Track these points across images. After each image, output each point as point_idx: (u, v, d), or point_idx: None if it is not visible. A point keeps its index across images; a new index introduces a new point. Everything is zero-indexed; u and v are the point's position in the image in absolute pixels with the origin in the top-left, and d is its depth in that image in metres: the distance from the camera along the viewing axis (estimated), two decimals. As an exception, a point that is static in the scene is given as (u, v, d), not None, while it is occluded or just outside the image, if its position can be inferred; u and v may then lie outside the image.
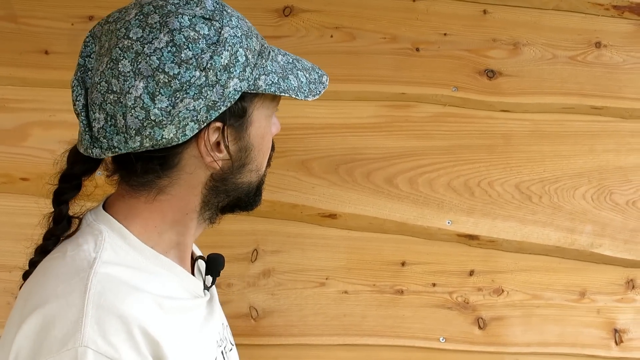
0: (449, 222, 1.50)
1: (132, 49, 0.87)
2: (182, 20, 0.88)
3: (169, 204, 0.96)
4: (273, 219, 1.51)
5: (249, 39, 0.93)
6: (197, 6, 0.90)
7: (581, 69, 1.52)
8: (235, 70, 0.90)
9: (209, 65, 0.88)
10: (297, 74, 0.99)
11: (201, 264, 1.12)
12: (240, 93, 0.91)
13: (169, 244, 0.98)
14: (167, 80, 0.87)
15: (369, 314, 1.51)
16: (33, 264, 0.97)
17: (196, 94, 0.88)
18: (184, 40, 0.87)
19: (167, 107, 0.87)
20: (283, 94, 0.95)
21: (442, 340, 1.50)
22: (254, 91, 0.93)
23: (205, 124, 0.90)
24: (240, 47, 0.91)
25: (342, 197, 1.51)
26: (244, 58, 0.91)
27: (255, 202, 1.06)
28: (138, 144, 0.89)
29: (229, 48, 0.89)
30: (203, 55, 0.88)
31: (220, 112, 0.90)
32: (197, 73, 0.87)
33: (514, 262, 1.52)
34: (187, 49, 0.87)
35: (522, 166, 1.52)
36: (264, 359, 1.49)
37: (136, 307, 0.86)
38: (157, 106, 0.87)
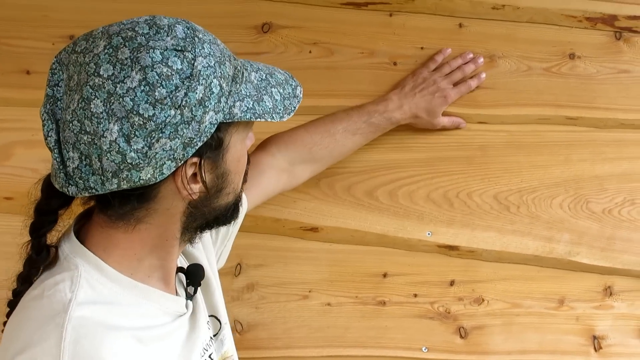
0: (429, 234, 1.53)
1: (104, 88, 0.85)
2: (153, 55, 0.86)
3: (149, 233, 0.96)
4: (256, 233, 1.53)
5: (222, 66, 0.91)
6: (167, 36, 0.88)
7: (556, 80, 1.54)
8: (210, 103, 0.88)
9: (183, 102, 0.86)
10: (272, 92, 0.97)
11: (182, 276, 1.13)
12: (216, 125, 0.90)
13: (149, 268, 0.99)
14: (142, 122, 0.85)
15: (352, 325, 1.53)
16: (17, 293, 0.98)
17: (172, 132, 0.86)
18: (157, 77, 0.85)
19: (143, 148, 0.85)
20: (259, 119, 0.94)
21: (425, 350, 1.53)
22: (230, 120, 0.91)
23: (182, 161, 0.89)
24: (214, 77, 0.89)
25: (323, 211, 1.53)
26: (219, 88, 0.89)
27: (233, 217, 1.07)
28: (115, 185, 0.88)
29: (203, 81, 0.87)
30: (177, 93, 0.85)
31: (197, 147, 0.89)
32: (172, 112, 0.85)
33: (494, 272, 1.54)
34: (161, 87, 0.85)
35: (499, 177, 1.54)
36: (249, 372, 1.50)
37: (113, 351, 0.86)
38: (133, 148, 0.85)
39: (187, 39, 0.89)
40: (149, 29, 0.88)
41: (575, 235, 1.53)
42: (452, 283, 1.54)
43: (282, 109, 0.98)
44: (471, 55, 1.51)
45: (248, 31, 1.54)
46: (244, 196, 1.28)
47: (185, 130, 0.87)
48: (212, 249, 1.28)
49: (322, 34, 1.54)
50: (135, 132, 0.85)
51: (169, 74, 0.85)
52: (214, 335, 1.18)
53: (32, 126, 1.50)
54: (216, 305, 1.22)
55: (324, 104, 1.52)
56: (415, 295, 1.54)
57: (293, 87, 1.03)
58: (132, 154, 0.85)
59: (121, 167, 0.86)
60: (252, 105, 0.94)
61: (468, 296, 1.54)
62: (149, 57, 0.85)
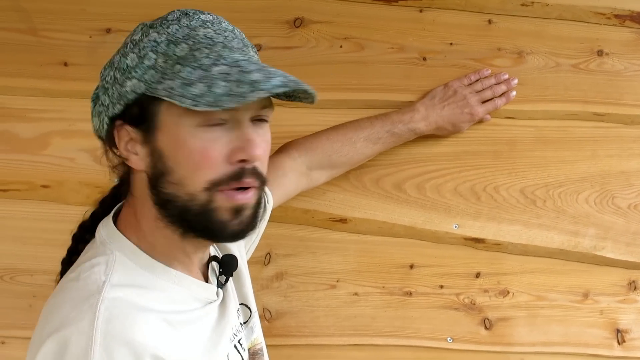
0: (455, 226, 1.55)
1: (114, 57, 1.01)
2: (148, 33, 0.98)
3: (140, 206, 1.02)
4: (286, 223, 1.56)
5: (172, 45, 0.94)
6: (173, 21, 0.98)
7: (584, 76, 1.56)
8: (137, 72, 0.95)
9: (117, 65, 0.98)
10: (218, 84, 0.90)
11: (215, 265, 1.16)
12: (136, 94, 0.96)
13: (167, 254, 1.02)
14: (102, 79, 1.02)
15: (379, 315, 1.56)
16: (65, 262, 1.08)
17: (106, 90, 1.00)
18: (127, 46, 0.99)
19: (95, 99, 1.03)
20: (168, 99, 0.92)
21: (450, 340, 1.55)
22: (151, 94, 0.94)
23: (109, 118, 1.00)
24: (152, 50, 0.95)
25: (352, 202, 1.55)
26: (152, 62, 0.94)
27: (207, 230, 0.99)
28: (96, 124, 1.05)
29: (138, 51, 0.96)
30: (118, 57, 0.99)
31: (119, 109, 0.98)
32: (112, 73, 0.99)
33: (519, 265, 1.56)
34: (119, 54, 1.00)
35: (526, 171, 1.55)
36: (277, 359, 1.53)
37: (144, 331, 0.90)
38: (95, 101, 1.03)
39: (169, 19, 0.98)
40: (172, 15, 1.00)
41: (601, 230, 1.54)
42: (477, 275, 1.56)
43: (211, 100, 0.90)
44: (506, 77, 1.52)
45: (280, 26, 1.56)
46: (269, 194, 1.33)
47: (112, 90, 0.98)
48: (242, 242, 1.32)
49: (353, 29, 1.56)
50: (99, 87, 1.03)
51: (128, 42, 0.99)
52: (244, 323, 1.22)
53: (69, 116, 1.54)
54: (247, 295, 1.26)
55: (354, 98, 1.55)
56: (442, 287, 1.56)
57: (253, 89, 0.90)
58: (93, 104, 1.04)
59: (92, 113, 1.05)
60: (179, 87, 0.91)
61: (493, 288, 1.56)
62: (139, 32, 0.99)
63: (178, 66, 0.93)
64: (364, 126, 1.45)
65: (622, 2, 1.54)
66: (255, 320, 1.26)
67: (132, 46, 0.97)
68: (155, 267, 1.00)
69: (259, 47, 1.54)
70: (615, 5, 1.54)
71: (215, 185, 0.95)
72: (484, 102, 1.51)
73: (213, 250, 1.20)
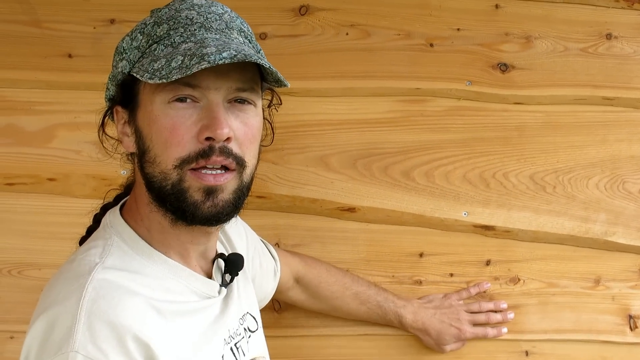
0: (465, 214, 1.54)
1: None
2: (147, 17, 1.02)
3: (139, 192, 1.03)
4: (293, 213, 1.55)
5: (156, 26, 0.98)
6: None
7: (593, 60, 1.54)
8: (127, 53, 0.99)
9: (117, 48, 1.01)
10: (177, 58, 0.92)
11: (221, 263, 1.14)
12: (124, 74, 0.99)
13: (163, 242, 1.02)
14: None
15: (389, 304, 1.54)
16: (89, 231, 1.10)
17: (110, 74, 1.03)
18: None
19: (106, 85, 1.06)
20: (135, 75, 0.96)
21: (461, 328, 1.54)
22: (133, 73, 0.97)
23: (107, 100, 1.05)
24: (140, 32, 0.99)
25: (360, 191, 1.54)
26: (138, 42, 0.98)
27: (180, 211, 0.97)
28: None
29: (130, 33, 0.99)
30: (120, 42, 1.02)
31: (114, 90, 1.02)
32: (114, 56, 1.02)
33: (530, 252, 1.55)
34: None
35: (536, 157, 1.54)
36: (286, 349, 1.52)
37: (128, 312, 0.89)
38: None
39: (169, 4, 1.01)
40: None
41: (612, 215, 1.53)
42: (488, 263, 1.55)
43: (164, 74, 0.91)
44: (504, 306, 1.53)
45: (286, 14, 1.55)
46: (279, 264, 1.38)
47: (112, 74, 1.03)
48: (249, 258, 1.30)
49: (359, 15, 1.55)
50: None
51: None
52: (252, 332, 1.19)
53: (74, 109, 1.53)
54: (255, 307, 1.24)
55: (361, 86, 1.54)
56: (452, 275, 1.55)
57: (199, 61, 0.90)
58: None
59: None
60: (147, 63, 0.95)
61: (504, 276, 1.54)
62: (142, 21, 1.02)
63: (154, 45, 0.97)
64: (362, 284, 1.49)
65: (630, -15, 1.53)
66: (259, 334, 1.22)
67: (132, 30, 1.02)
68: (152, 254, 1.00)
69: (264, 36, 1.53)
70: (624, -13, 1.53)
71: (184, 163, 0.94)
72: (475, 324, 1.51)
73: (221, 247, 1.19)
